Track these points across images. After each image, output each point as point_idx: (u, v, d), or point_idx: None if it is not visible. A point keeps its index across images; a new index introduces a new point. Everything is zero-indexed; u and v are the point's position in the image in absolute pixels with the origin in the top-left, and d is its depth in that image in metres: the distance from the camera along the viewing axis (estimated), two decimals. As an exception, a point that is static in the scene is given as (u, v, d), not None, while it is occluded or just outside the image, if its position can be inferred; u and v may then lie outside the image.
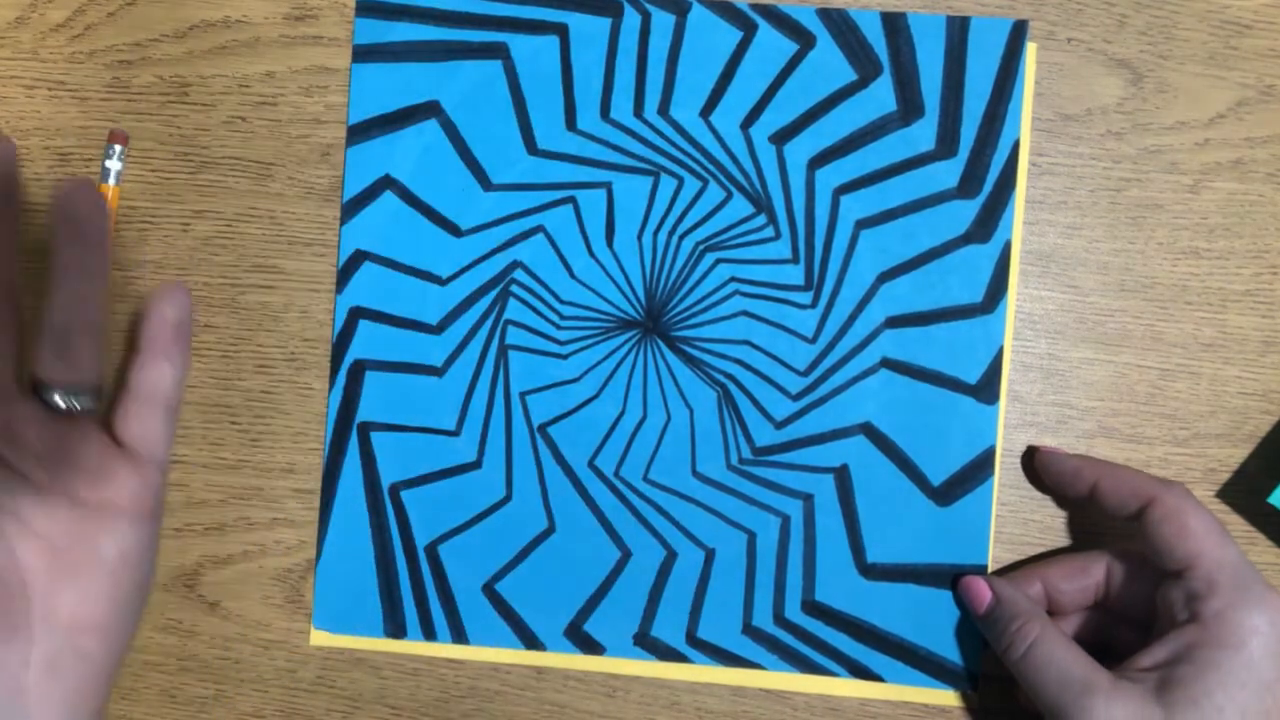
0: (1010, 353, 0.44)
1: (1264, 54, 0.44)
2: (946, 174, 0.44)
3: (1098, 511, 0.43)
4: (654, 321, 0.44)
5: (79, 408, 0.34)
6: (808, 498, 0.44)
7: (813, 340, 0.44)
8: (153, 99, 0.45)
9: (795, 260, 0.44)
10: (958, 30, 0.44)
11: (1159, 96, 0.44)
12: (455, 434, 0.44)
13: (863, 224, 0.44)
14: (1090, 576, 0.41)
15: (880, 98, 0.44)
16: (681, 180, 0.44)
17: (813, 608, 0.44)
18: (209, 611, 0.45)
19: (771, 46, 0.44)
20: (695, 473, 0.44)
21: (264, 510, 0.45)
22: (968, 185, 0.44)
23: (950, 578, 0.43)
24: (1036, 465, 0.43)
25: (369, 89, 0.45)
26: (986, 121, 0.44)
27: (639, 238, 0.44)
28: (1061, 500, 0.44)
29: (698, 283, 0.44)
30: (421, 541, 0.44)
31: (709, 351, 0.44)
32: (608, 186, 0.44)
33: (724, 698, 0.44)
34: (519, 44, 0.45)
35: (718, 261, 0.44)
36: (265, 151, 0.45)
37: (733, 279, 0.44)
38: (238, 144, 0.45)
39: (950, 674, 0.43)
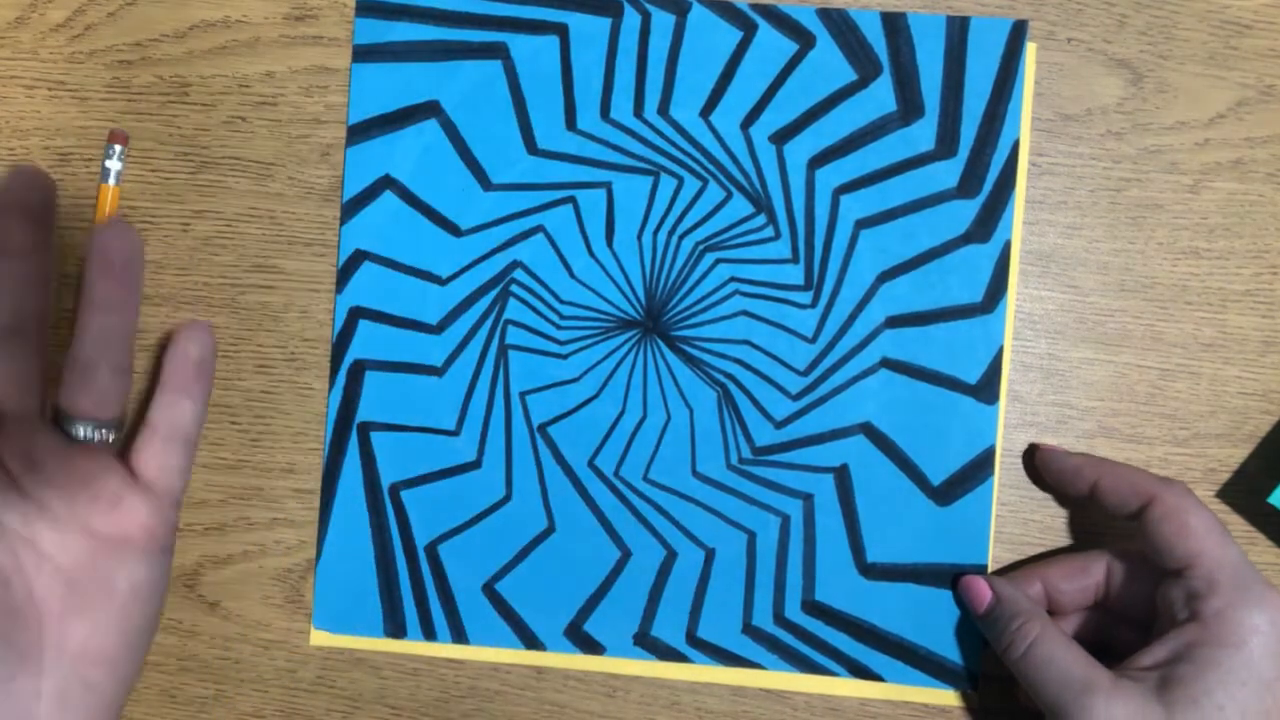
0: (1010, 353, 0.44)
1: (1264, 54, 0.44)
2: (946, 174, 0.44)
3: (1098, 511, 0.43)
4: (654, 321, 0.44)
5: (100, 440, 0.34)
6: (808, 497, 0.44)
7: (813, 340, 0.44)
8: (153, 99, 0.45)
9: (795, 260, 0.44)
10: (958, 30, 0.44)
11: (1159, 96, 0.44)
12: (455, 434, 0.45)
13: (863, 224, 0.44)
14: (1090, 576, 0.41)
15: (880, 98, 0.44)
16: (681, 180, 0.44)
17: (813, 607, 0.44)
18: (209, 611, 0.45)
19: (771, 46, 0.44)
20: (695, 472, 0.44)
21: (264, 510, 0.45)
22: (968, 185, 0.44)
23: (950, 577, 0.43)
24: (1037, 463, 0.43)
25: (369, 89, 0.45)
26: (986, 121, 0.44)
27: (639, 237, 0.44)
28: (1062, 499, 0.44)
29: (698, 282, 0.44)
30: (421, 541, 0.44)
31: (709, 351, 0.44)
32: (608, 186, 0.44)
33: (724, 698, 0.44)
34: (519, 44, 0.45)
35: (718, 261, 0.44)
36: (265, 151, 0.45)
37: (733, 279, 0.44)
38: (238, 144, 0.45)
39: (950, 674, 0.43)
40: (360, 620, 0.44)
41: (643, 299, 0.44)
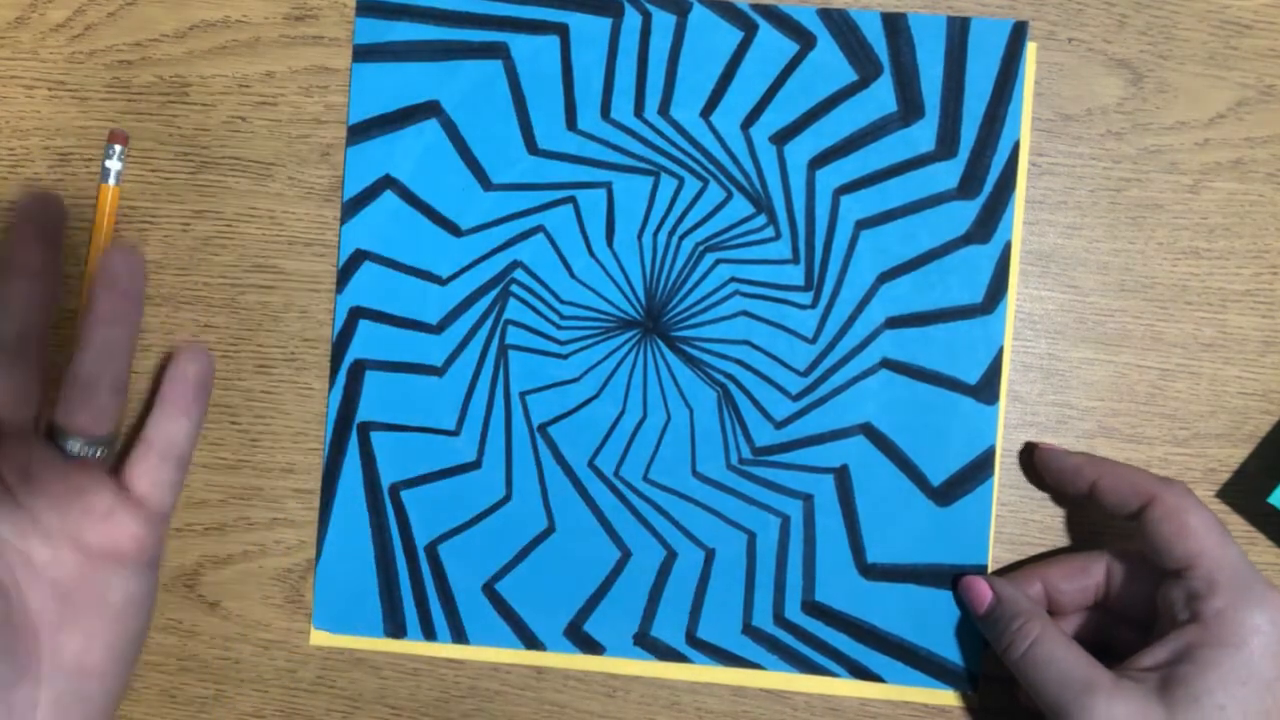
0: (1010, 353, 0.44)
1: (1264, 54, 0.44)
2: (946, 174, 0.44)
3: (1098, 510, 0.43)
4: (654, 321, 0.44)
5: (93, 456, 0.35)
6: (807, 498, 0.44)
7: (813, 340, 0.44)
8: (153, 99, 0.45)
9: (795, 260, 0.44)
10: (958, 31, 0.44)
11: (1159, 96, 0.44)
12: (455, 434, 0.44)
13: (863, 224, 0.44)
14: (1090, 576, 0.41)
15: (880, 98, 0.44)
16: (682, 180, 0.44)
17: (813, 608, 0.44)
18: (209, 611, 0.45)
19: (772, 47, 0.44)
20: (695, 473, 0.44)
21: (264, 510, 0.45)
22: (968, 186, 0.44)
23: (950, 578, 0.43)
24: (1036, 462, 0.43)
25: (369, 89, 0.45)
26: (986, 122, 0.44)
27: (639, 238, 0.44)
28: (1061, 498, 0.44)
29: (698, 283, 0.44)
30: (421, 541, 0.44)
31: (709, 351, 0.44)
32: (608, 186, 0.44)
33: (724, 698, 0.44)
34: (519, 44, 0.45)
35: (718, 261, 0.44)
36: (265, 151, 0.45)
37: (733, 279, 0.44)
38: (238, 144, 0.45)
39: (950, 674, 0.43)
40: (360, 620, 0.44)
41: (643, 299, 0.44)
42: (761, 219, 0.44)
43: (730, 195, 0.44)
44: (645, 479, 0.44)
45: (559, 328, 0.44)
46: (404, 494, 0.44)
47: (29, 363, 0.36)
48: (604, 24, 0.44)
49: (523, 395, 0.44)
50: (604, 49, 0.44)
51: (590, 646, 0.44)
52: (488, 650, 0.44)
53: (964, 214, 0.44)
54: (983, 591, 0.42)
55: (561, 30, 0.45)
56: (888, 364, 0.44)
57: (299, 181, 0.45)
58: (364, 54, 0.45)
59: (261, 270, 0.45)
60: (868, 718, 0.44)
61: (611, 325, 0.44)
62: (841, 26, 0.44)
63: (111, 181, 0.45)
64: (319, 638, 0.45)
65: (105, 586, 0.35)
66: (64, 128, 0.45)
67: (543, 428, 0.44)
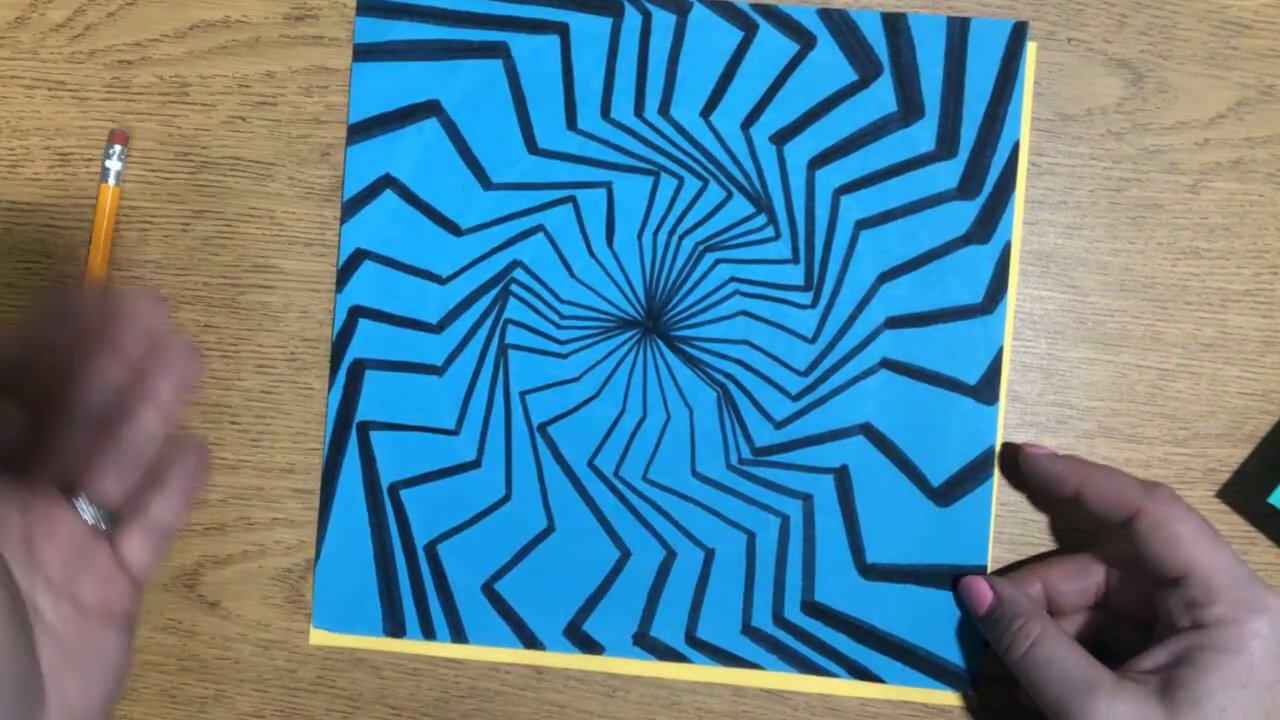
0: (1010, 353, 0.44)
1: (1264, 54, 0.44)
2: (946, 175, 0.44)
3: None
4: (654, 321, 0.44)
5: (104, 528, 0.36)
6: (807, 498, 0.44)
7: (812, 340, 0.44)
8: (153, 99, 0.45)
9: (795, 260, 0.44)
10: (958, 31, 0.44)
11: (1159, 96, 0.44)
12: (455, 433, 0.44)
13: (863, 224, 0.44)
14: (1090, 577, 0.41)
15: (880, 98, 0.44)
16: (681, 180, 0.44)
17: (812, 608, 0.44)
18: (209, 611, 0.45)
19: (772, 46, 0.44)
20: (695, 473, 0.44)
21: (264, 510, 0.45)
22: (968, 186, 0.44)
23: (950, 578, 0.43)
24: (1021, 466, 0.43)
25: (369, 88, 0.45)
26: (986, 122, 0.44)
27: (639, 237, 0.44)
28: (1047, 502, 0.44)
29: (697, 282, 0.44)
30: (421, 541, 0.44)
31: (709, 351, 0.44)
32: (608, 186, 0.44)
33: (724, 698, 0.44)
34: (519, 43, 0.45)
35: (718, 261, 0.44)
36: (265, 151, 0.45)
37: (733, 279, 0.44)
38: (238, 144, 0.45)
39: (950, 674, 0.43)
40: (359, 619, 0.44)
41: (643, 299, 0.44)
42: (761, 219, 0.44)
43: (730, 195, 0.44)
44: (645, 479, 0.44)
45: (559, 327, 0.44)
46: (403, 493, 0.44)
47: (112, 442, 0.37)
48: (604, 24, 0.44)
49: (522, 395, 0.44)
50: (604, 49, 0.44)
51: (589, 646, 0.44)
52: (488, 650, 0.44)
53: (964, 214, 0.44)
54: (983, 592, 0.42)
55: (562, 30, 0.45)
56: (887, 364, 0.44)
57: (299, 181, 0.45)
58: (364, 53, 0.45)
59: (261, 270, 0.45)
60: (867, 718, 0.44)
61: (611, 325, 0.44)
62: (841, 26, 0.44)
63: (111, 181, 0.45)
64: (318, 637, 0.45)
65: (96, 641, 0.36)
66: (64, 128, 0.45)
67: (542, 427, 0.44)
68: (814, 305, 0.44)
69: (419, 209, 0.45)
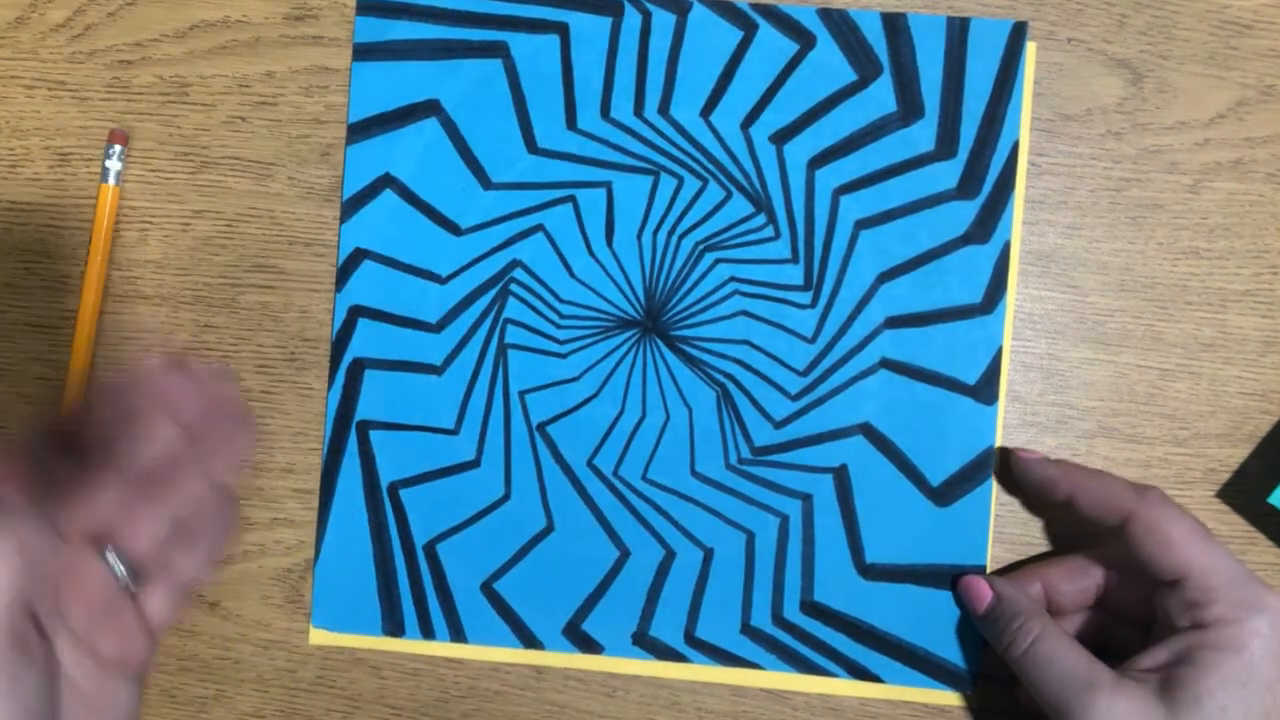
0: (1010, 353, 0.44)
1: (1264, 54, 0.44)
2: (946, 174, 0.44)
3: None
4: (653, 321, 0.44)
5: (131, 583, 0.36)
6: (806, 498, 0.44)
7: (812, 340, 0.44)
8: (153, 99, 0.45)
9: (795, 260, 0.44)
10: (958, 31, 0.44)
11: (1159, 96, 0.44)
12: (454, 433, 0.44)
13: (862, 224, 0.44)
14: (1090, 577, 0.41)
15: (880, 98, 0.44)
16: (681, 180, 0.44)
17: (811, 608, 0.44)
18: (209, 611, 0.45)
19: (772, 46, 0.44)
20: (694, 472, 0.44)
21: (264, 510, 0.45)
22: (967, 186, 0.44)
23: (949, 578, 0.43)
24: (1013, 470, 0.43)
25: (369, 87, 0.45)
26: (986, 122, 0.44)
27: (639, 237, 0.44)
28: (1040, 507, 0.44)
29: (697, 282, 0.44)
30: (420, 540, 0.44)
31: (708, 351, 0.44)
32: (608, 186, 0.45)
33: (724, 698, 0.44)
34: (519, 43, 0.45)
35: (717, 261, 0.44)
36: (265, 151, 0.45)
37: (732, 279, 0.44)
38: (238, 144, 0.45)
39: (949, 674, 0.43)
40: (359, 619, 0.44)
41: (642, 298, 0.44)
42: (761, 218, 0.44)
43: (730, 195, 0.44)
44: (644, 478, 0.44)
45: (558, 327, 0.44)
46: (403, 493, 0.44)
47: (155, 502, 0.37)
48: (604, 23, 0.44)
49: (522, 394, 0.44)
50: (604, 48, 0.44)
51: (589, 646, 0.44)
52: (487, 650, 0.44)
53: (963, 214, 0.44)
54: (982, 591, 0.41)
55: (561, 29, 0.45)
56: (887, 364, 0.44)
57: (299, 181, 0.45)
58: (364, 53, 0.45)
59: (261, 270, 0.45)
60: (867, 718, 0.44)
61: (611, 324, 0.44)
62: (841, 26, 0.44)
63: (111, 181, 0.45)
64: (318, 636, 0.45)
65: (113, 693, 0.36)
66: (64, 128, 0.45)
67: (542, 427, 0.44)
68: (813, 305, 0.44)
69: (419, 209, 0.45)
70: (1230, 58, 0.44)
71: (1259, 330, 0.44)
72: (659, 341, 0.44)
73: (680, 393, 0.44)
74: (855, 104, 0.44)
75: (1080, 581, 0.41)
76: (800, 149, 0.44)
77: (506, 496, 0.44)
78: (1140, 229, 0.44)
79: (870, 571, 0.44)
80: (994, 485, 0.44)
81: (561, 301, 0.45)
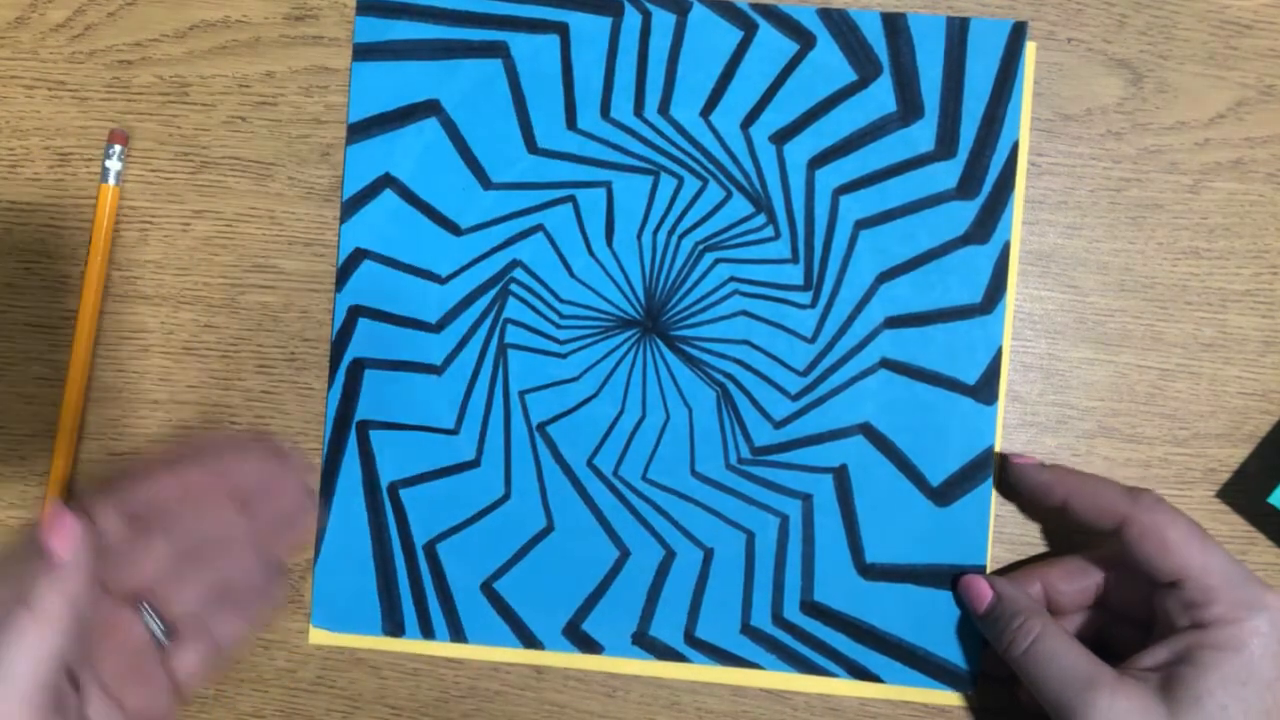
0: (1010, 353, 0.44)
1: (1264, 54, 0.44)
2: (946, 175, 0.44)
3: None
4: (653, 321, 0.44)
5: (164, 642, 0.36)
6: (806, 498, 0.44)
7: (812, 340, 0.44)
8: (153, 99, 0.45)
9: (795, 260, 0.44)
10: (957, 31, 0.44)
11: (1159, 96, 0.44)
12: (454, 433, 0.45)
13: (862, 224, 0.44)
14: (1089, 577, 0.41)
15: (880, 98, 0.44)
16: (681, 180, 0.44)
17: (811, 608, 0.44)
18: (208, 611, 0.45)
19: (772, 46, 0.44)
20: (694, 472, 0.44)
21: (263, 510, 0.45)
22: (967, 186, 0.44)
23: (949, 578, 0.43)
24: (1009, 476, 0.43)
25: (369, 87, 0.45)
26: (986, 122, 0.44)
27: (639, 237, 0.44)
28: (1036, 512, 0.44)
29: (697, 282, 0.44)
30: (420, 540, 0.44)
31: (708, 351, 0.44)
32: (607, 186, 0.45)
33: (724, 698, 0.44)
34: (519, 43, 0.45)
35: (717, 261, 0.44)
36: (265, 151, 0.45)
37: (732, 279, 0.44)
38: (238, 144, 0.45)
39: (949, 674, 0.43)
40: (359, 619, 0.44)
41: (642, 298, 0.44)
42: (761, 218, 0.44)
43: (730, 195, 0.44)
44: (644, 478, 0.44)
45: (558, 327, 0.44)
46: (403, 493, 0.44)
47: (201, 568, 0.37)
48: (604, 23, 0.44)
49: (522, 394, 0.44)
50: (604, 48, 0.44)
51: (589, 646, 0.44)
52: (487, 650, 0.44)
53: (963, 214, 0.44)
54: (983, 590, 0.41)
55: (561, 29, 0.45)
56: (887, 364, 0.44)
57: (299, 181, 0.45)
58: (364, 53, 0.45)
59: (261, 270, 0.45)
60: (867, 717, 0.44)
61: (611, 324, 0.44)
62: (841, 26, 0.44)
63: (111, 181, 0.45)
64: (317, 636, 0.45)
65: None
66: (64, 128, 0.45)
67: (542, 427, 0.44)
68: (813, 305, 0.44)
69: (419, 208, 0.45)
70: (1230, 58, 0.44)
71: (1259, 330, 0.44)
72: (659, 341, 0.44)
73: (680, 393, 0.44)
74: (855, 104, 0.44)
75: (1080, 581, 0.41)
76: (800, 149, 0.44)
77: (506, 496, 0.44)
78: (1140, 229, 0.44)
79: (870, 571, 0.44)
80: (994, 485, 0.44)
81: (561, 301, 0.45)
